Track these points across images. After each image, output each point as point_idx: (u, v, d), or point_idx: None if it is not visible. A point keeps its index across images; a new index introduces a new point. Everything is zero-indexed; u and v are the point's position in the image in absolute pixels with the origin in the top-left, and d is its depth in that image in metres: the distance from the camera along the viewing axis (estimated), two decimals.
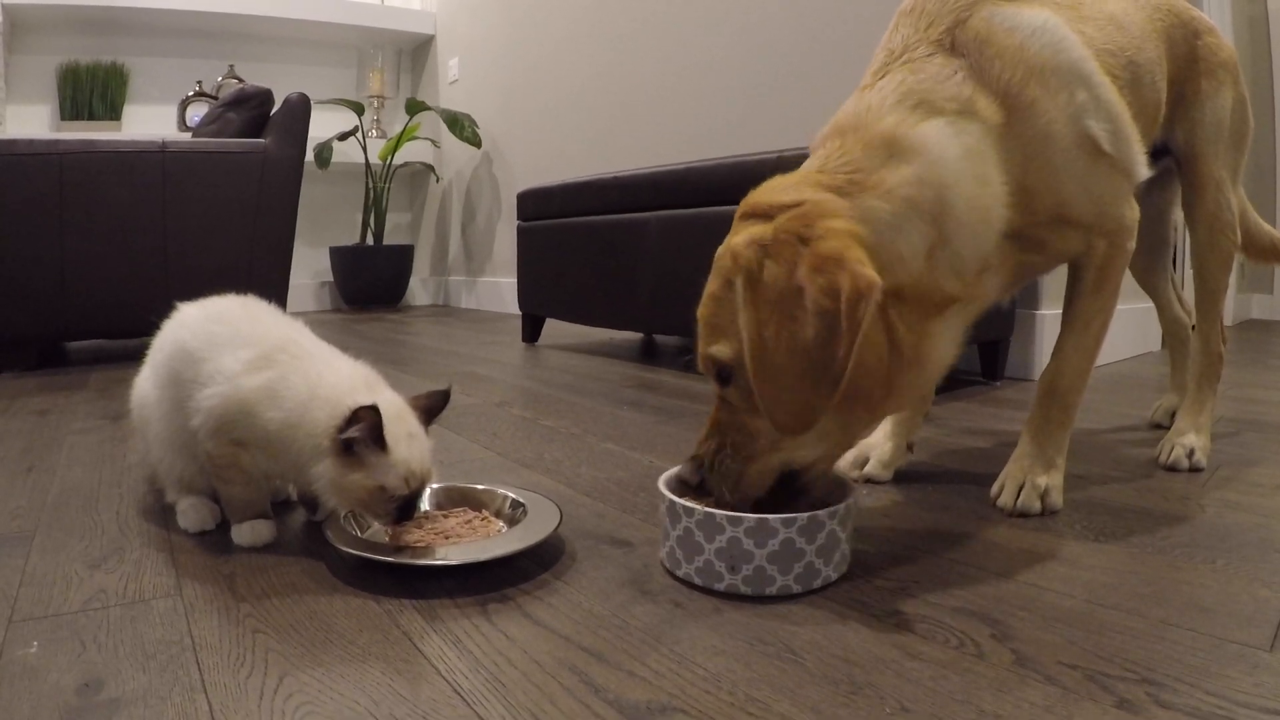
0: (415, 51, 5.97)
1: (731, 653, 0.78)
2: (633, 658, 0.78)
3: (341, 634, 0.83)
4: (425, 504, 1.10)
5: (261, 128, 3.13)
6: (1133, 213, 1.13)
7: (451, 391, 1.10)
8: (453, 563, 0.94)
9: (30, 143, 2.62)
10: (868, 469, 1.31)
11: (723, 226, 2.00)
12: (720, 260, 0.93)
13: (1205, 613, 0.84)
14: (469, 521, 1.08)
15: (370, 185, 5.26)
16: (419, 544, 1.00)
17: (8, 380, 2.48)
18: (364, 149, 5.19)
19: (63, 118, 4.78)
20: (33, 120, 4.77)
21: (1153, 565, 0.97)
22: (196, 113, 5.09)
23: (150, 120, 5.05)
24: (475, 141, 4.90)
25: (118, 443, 1.64)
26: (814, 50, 2.79)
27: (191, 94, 5.12)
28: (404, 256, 5.35)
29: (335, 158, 5.21)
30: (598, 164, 4.03)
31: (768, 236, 0.88)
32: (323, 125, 5.43)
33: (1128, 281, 1.80)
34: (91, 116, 4.81)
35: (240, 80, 5.22)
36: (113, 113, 4.87)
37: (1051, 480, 1.16)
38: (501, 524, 1.08)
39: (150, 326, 1.20)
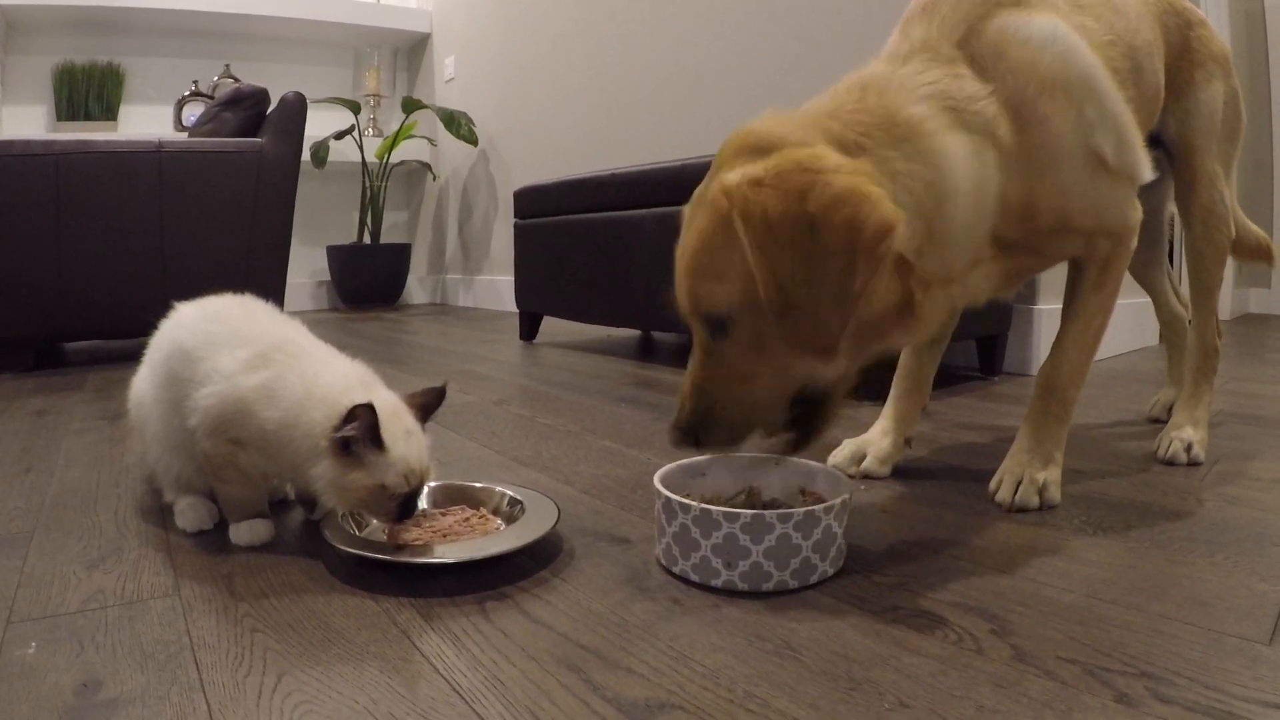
0: (411, 50, 5.96)
1: (729, 649, 0.78)
2: (631, 655, 0.78)
3: (340, 633, 0.83)
4: (423, 502, 1.10)
5: (257, 127, 3.12)
6: (1136, 213, 1.13)
7: (448, 389, 1.10)
8: (450, 561, 0.94)
9: (26, 143, 2.62)
10: (865, 464, 1.31)
11: None
12: (710, 201, 0.90)
13: (1204, 607, 0.84)
14: (467, 519, 1.08)
15: (367, 184, 5.26)
16: (417, 542, 1.00)
17: (5, 381, 2.47)
18: (360, 148, 5.19)
19: (59, 118, 4.78)
20: (29, 121, 4.76)
21: (1151, 560, 0.97)
22: (192, 112, 5.09)
23: (146, 120, 5.04)
24: (472, 140, 4.89)
25: (115, 443, 1.63)
26: (810, 48, 2.79)
27: (187, 94, 5.12)
28: (401, 255, 5.35)
29: (332, 157, 5.20)
30: (594, 161, 4.02)
31: (770, 169, 0.86)
32: (319, 124, 5.42)
33: (1125, 277, 1.80)
34: (88, 117, 4.80)
35: (236, 80, 5.21)
36: (109, 113, 4.87)
37: (1049, 475, 1.16)
38: (499, 522, 1.08)
39: (147, 326, 1.19)
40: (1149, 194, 1.59)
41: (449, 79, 5.45)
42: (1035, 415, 1.18)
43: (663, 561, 0.97)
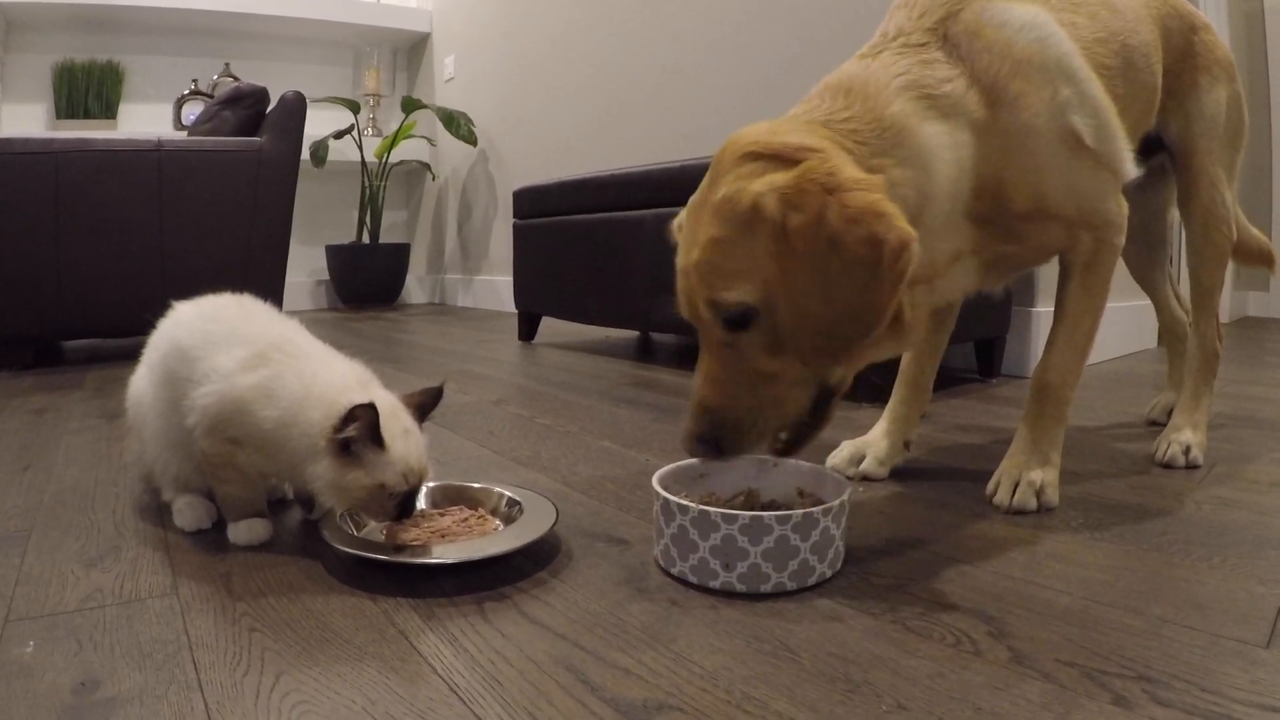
0: (411, 50, 5.96)
1: (728, 650, 0.78)
2: (629, 656, 0.78)
3: (338, 632, 0.83)
4: (421, 502, 1.10)
5: (257, 126, 3.12)
6: (1119, 208, 1.14)
7: (446, 389, 1.10)
8: (449, 561, 0.94)
9: (26, 141, 2.62)
10: (864, 466, 1.31)
11: None
12: (732, 205, 0.90)
13: (1202, 609, 0.85)
14: (465, 520, 1.08)
15: (366, 183, 5.26)
16: (415, 542, 1.00)
17: (4, 379, 2.47)
18: (360, 147, 5.18)
19: (58, 116, 4.77)
20: (28, 119, 4.76)
21: (1149, 562, 0.97)
22: (192, 111, 5.08)
23: (146, 119, 5.04)
24: (471, 139, 4.89)
25: (114, 441, 1.63)
26: (809, 49, 2.79)
27: (187, 92, 5.11)
28: (400, 255, 5.35)
29: (331, 156, 5.20)
30: (594, 162, 4.02)
31: (791, 185, 0.87)
32: (318, 123, 5.42)
33: (1124, 278, 1.81)
34: (87, 115, 4.80)
35: (236, 79, 5.21)
36: (108, 111, 4.86)
37: (1047, 477, 1.16)
38: (498, 522, 1.08)
39: (146, 325, 1.19)
40: (1151, 197, 1.59)
41: (448, 79, 5.45)
42: (1031, 417, 1.19)
43: (661, 563, 0.97)
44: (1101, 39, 1.14)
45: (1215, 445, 1.47)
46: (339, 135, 5.03)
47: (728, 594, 0.90)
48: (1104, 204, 1.11)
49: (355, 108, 5.00)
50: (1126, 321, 2.69)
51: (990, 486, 1.19)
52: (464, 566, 0.97)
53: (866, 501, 1.21)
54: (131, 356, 1.21)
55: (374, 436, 0.95)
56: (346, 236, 5.65)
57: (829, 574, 0.93)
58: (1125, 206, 1.14)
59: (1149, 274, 1.71)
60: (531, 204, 3.14)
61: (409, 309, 5.23)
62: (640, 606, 0.88)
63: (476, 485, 1.15)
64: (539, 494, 1.12)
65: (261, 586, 0.94)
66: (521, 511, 1.07)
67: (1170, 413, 1.66)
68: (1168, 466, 1.35)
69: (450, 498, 1.14)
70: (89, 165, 2.67)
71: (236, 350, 1.02)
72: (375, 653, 0.79)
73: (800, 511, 0.89)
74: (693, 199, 0.98)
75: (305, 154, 4.99)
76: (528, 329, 3.30)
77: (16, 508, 1.22)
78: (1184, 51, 1.37)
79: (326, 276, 5.60)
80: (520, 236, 3.21)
